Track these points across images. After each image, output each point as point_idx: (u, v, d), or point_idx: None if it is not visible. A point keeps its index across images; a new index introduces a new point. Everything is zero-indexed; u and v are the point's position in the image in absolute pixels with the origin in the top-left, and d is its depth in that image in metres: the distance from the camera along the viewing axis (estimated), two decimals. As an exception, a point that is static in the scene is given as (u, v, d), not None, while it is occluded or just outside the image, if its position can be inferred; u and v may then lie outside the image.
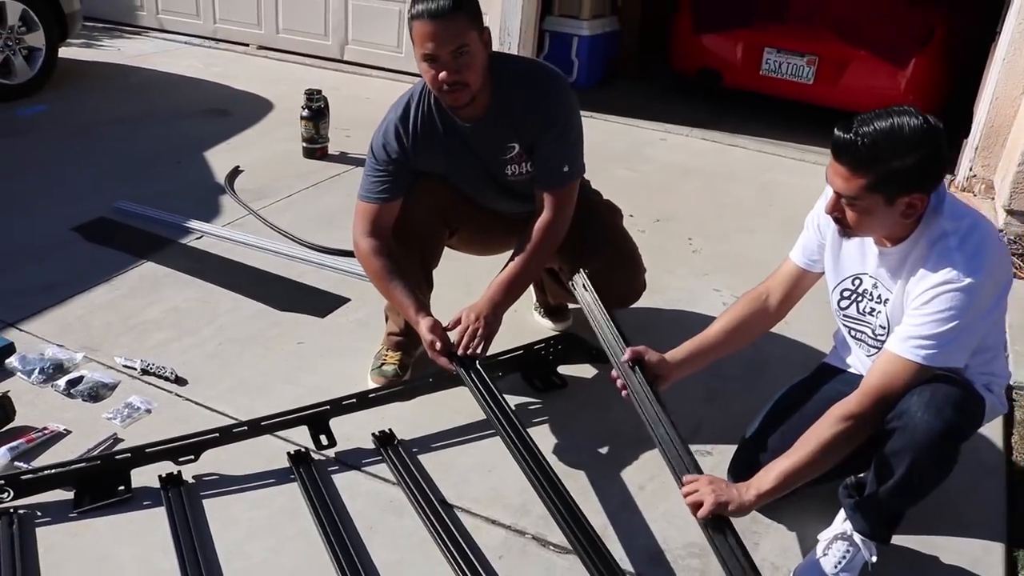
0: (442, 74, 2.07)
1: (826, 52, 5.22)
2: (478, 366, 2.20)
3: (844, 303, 1.98)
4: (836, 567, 1.88)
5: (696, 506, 1.78)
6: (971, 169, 4.50)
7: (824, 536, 1.94)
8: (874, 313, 1.90)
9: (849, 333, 2.04)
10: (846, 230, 1.81)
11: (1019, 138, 4.02)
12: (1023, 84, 4.19)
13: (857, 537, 1.89)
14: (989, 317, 1.76)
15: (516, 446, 2.02)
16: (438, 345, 2.19)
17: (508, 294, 2.28)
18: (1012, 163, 4.01)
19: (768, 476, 1.78)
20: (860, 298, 1.94)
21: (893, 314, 1.84)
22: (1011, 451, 2.43)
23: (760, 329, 2.15)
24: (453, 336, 2.24)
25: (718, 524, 1.76)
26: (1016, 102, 4.24)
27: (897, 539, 1.99)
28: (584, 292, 2.28)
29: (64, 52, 5.51)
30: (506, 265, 2.32)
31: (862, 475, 1.89)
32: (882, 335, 1.87)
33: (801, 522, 2.06)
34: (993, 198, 4.35)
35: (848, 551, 1.89)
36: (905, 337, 1.74)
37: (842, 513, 1.93)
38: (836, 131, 1.70)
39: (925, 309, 1.71)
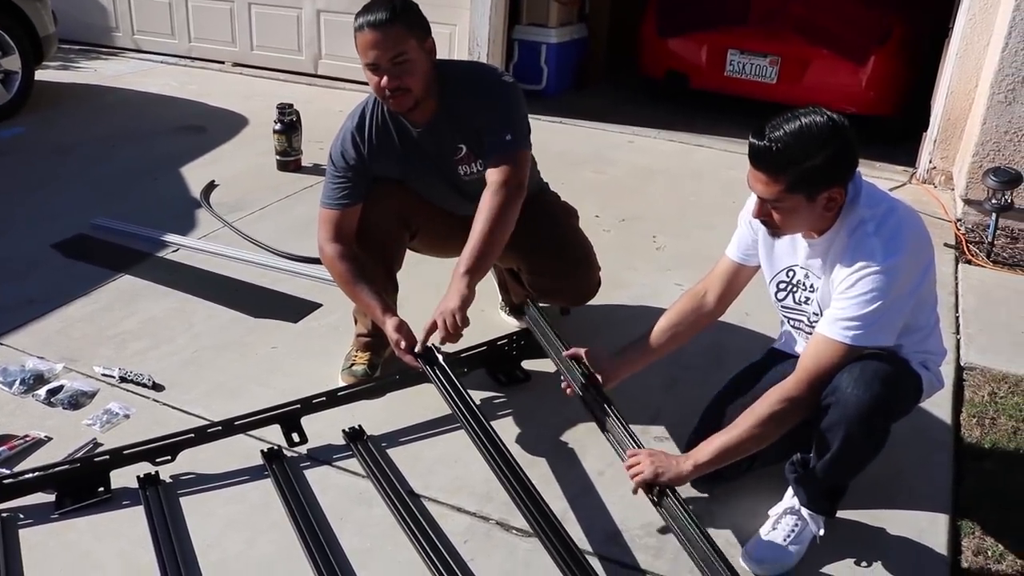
0: (383, 80, 2.18)
1: (788, 52, 5.35)
2: (443, 363, 2.29)
3: (781, 294, 2.08)
4: (785, 540, 1.97)
5: (635, 475, 1.90)
6: (931, 161, 4.63)
7: (774, 511, 2.04)
8: (808, 302, 2.00)
9: (788, 322, 2.13)
10: (775, 231, 1.91)
11: (974, 130, 4.15)
12: (976, 78, 4.32)
13: (805, 511, 1.99)
14: (913, 296, 1.85)
15: (480, 438, 2.11)
16: (403, 344, 2.27)
17: (472, 273, 2.24)
18: (967, 154, 4.14)
19: (706, 449, 1.88)
20: (795, 288, 2.03)
21: (823, 301, 1.93)
22: (959, 428, 2.53)
23: (701, 325, 2.22)
24: (434, 338, 2.27)
25: (663, 494, 1.88)
26: (970, 95, 4.37)
27: (847, 513, 2.09)
28: (532, 311, 2.37)
29: (41, 75, 5.58)
30: (468, 241, 2.30)
31: (809, 453, 1.98)
32: (816, 322, 1.96)
33: (753, 500, 2.15)
34: (953, 189, 4.47)
35: (797, 524, 1.99)
36: (832, 320, 1.83)
37: (791, 489, 2.03)
38: (751, 139, 1.79)
39: (849, 293, 1.80)
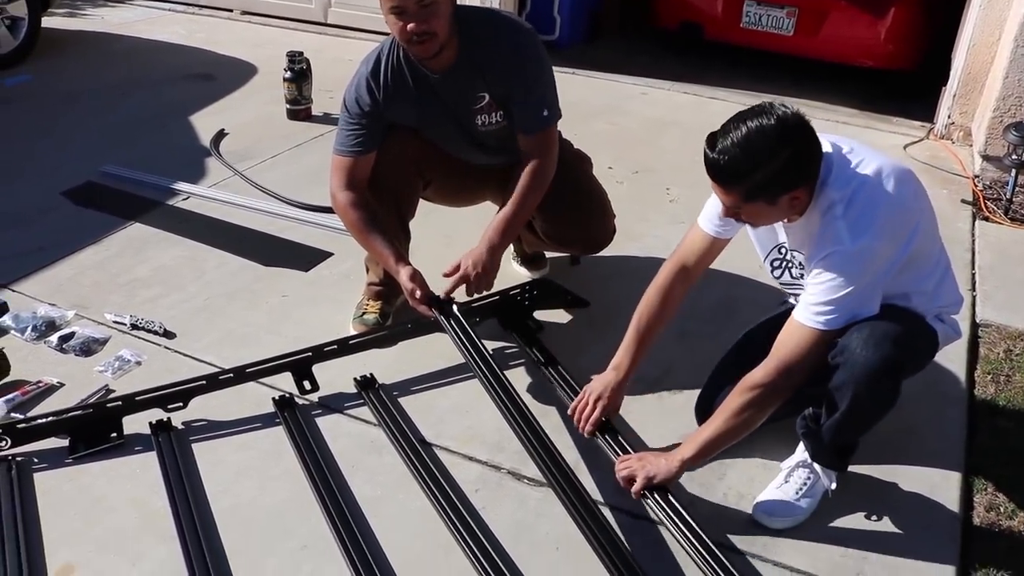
0: (410, 25, 2.11)
1: (806, 3, 5.23)
2: (456, 312, 2.28)
3: (777, 272, 2.05)
4: (798, 493, 1.97)
5: (628, 481, 1.89)
6: (949, 117, 4.55)
7: (786, 465, 2.04)
8: (803, 277, 1.94)
9: (791, 297, 2.11)
10: (751, 225, 1.89)
11: (995, 85, 4.07)
12: (999, 31, 4.22)
13: (817, 465, 1.98)
14: (895, 266, 1.80)
15: (493, 387, 2.11)
16: (418, 293, 2.26)
17: (504, 237, 2.35)
18: (987, 109, 4.06)
19: (690, 445, 1.88)
20: (790, 264, 2.00)
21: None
22: (974, 384, 2.52)
23: (681, 300, 2.14)
24: (449, 283, 2.30)
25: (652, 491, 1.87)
26: (992, 48, 4.27)
27: (859, 468, 2.09)
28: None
29: (47, 22, 5.50)
30: (499, 211, 2.38)
31: (820, 408, 1.96)
32: None
33: (766, 453, 2.15)
34: (971, 145, 4.40)
35: (809, 478, 1.99)
36: (805, 305, 1.79)
37: (802, 443, 2.02)
38: (705, 148, 1.73)
39: (819, 278, 1.76)
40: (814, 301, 1.77)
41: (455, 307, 2.29)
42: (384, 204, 2.39)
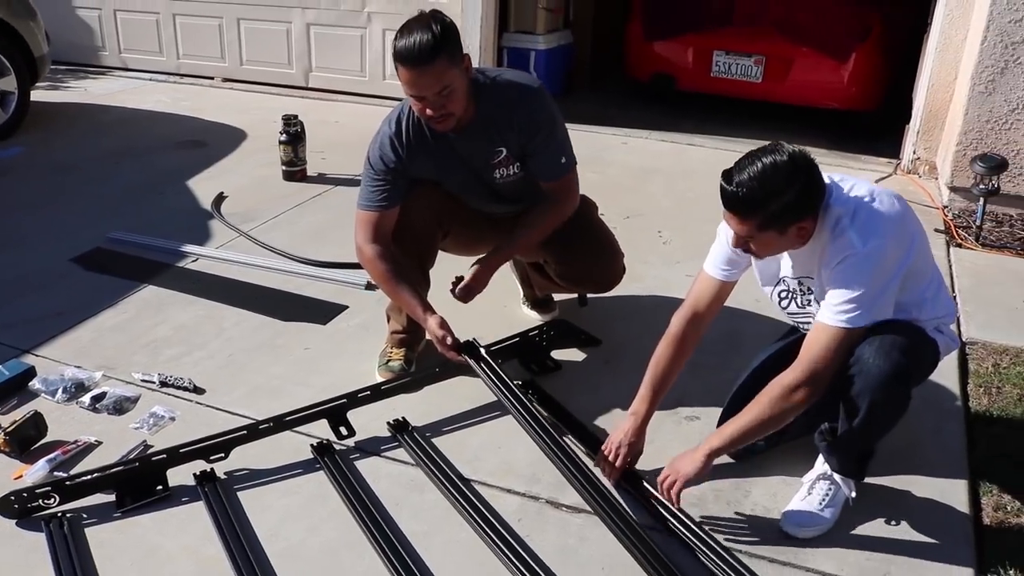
0: (428, 111, 2.27)
1: (772, 51, 5.52)
2: (485, 355, 2.40)
3: (784, 302, 2.20)
4: (821, 503, 2.10)
5: (669, 490, 2.04)
6: (914, 152, 4.80)
7: (807, 478, 2.16)
8: (810, 304, 2.11)
9: (801, 327, 2.25)
10: (756, 256, 2.05)
11: (956, 121, 4.32)
12: (955, 71, 4.50)
13: (837, 476, 2.11)
14: (902, 271, 1.96)
15: (528, 421, 2.22)
16: (448, 340, 2.38)
17: (502, 256, 2.57)
18: (951, 144, 4.32)
19: (717, 437, 2.02)
20: (795, 295, 2.16)
21: (820, 297, 2.04)
22: (967, 398, 2.68)
23: (696, 344, 2.28)
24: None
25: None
26: (949, 88, 4.55)
27: (873, 479, 2.22)
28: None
29: (33, 95, 5.60)
30: (513, 233, 2.55)
31: (835, 423, 2.10)
32: None
33: (785, 470, 2.28)
34: (937, 178, 4.65)
35: (830, 489, 2.12)
36: (828, 308, 1.94)
37: (821, 456, 2.15)
38: (722, 182, 1.91)
39: (838, 281, 1.92)
40: (836, 302, 1.92)
41: (483, 350, 2.40)
42: (407, 253, 2.52)
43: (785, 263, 2.13)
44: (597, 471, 2.19)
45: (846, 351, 1.93)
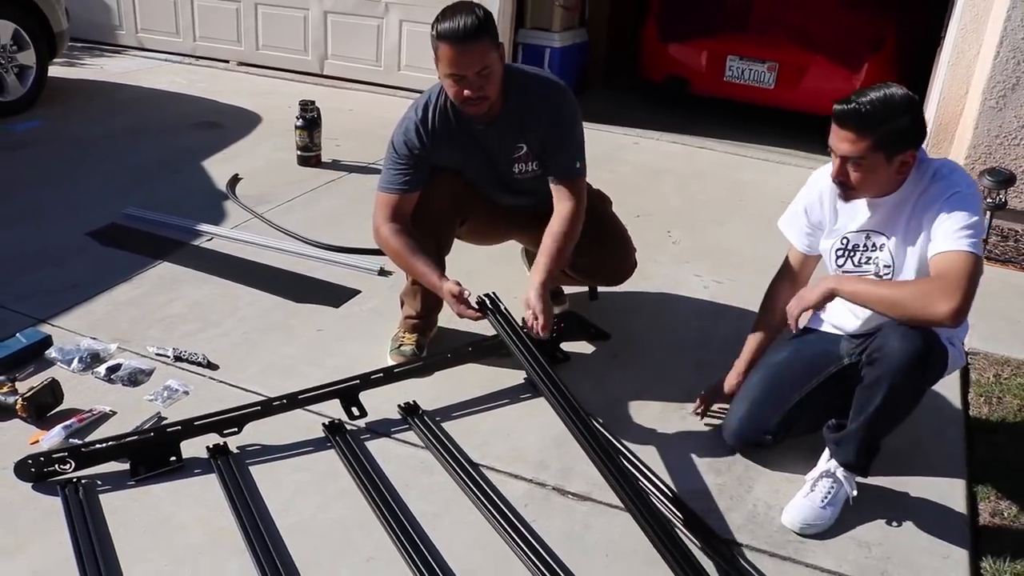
0: (466, 92, 2.32)
1: (786, 59, 5.56)
2: (503, 309, 2.41)
3: (840, 260, 2.26)
4: (823, 501, 2.14)
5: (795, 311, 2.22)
6: (922, 164, 4.83)
7: (810, 476, 2.21)
8: (871, 261, 2.19)
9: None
10: (848, 192, 2.12)
11: (966, 134, 4.37)
12: (966, 85, 4.54)
13: (840, 473, 2.16)
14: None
15: (544, 382, 2.22)
16: (466, 293, 2.37)
17: (550, 278, 2.45)
18: (960, 157, 4.36)
19: (847, 281, 2.13)
20: (854, 252, 2.23)
21: (897, 250, 2.13)
22: (968, 405, 2.73)
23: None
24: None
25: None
26: (960, 102, 4.59)
27: (873, 480, 2.26)
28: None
29: (50, 71, 5.64)
30: (541, 253, 2.49)
31: (843, 419, 2.16)
32: (887, 273, 2.16)
33: (787, 467, 2.32)
34: (943, 191, 4.68)
35: (832, 487, 2.16)
36: (948, 235, 1.99)
37: (826, 453, 2.20)
38: (836, 105, 2.03)
39: (953, 209, 2.00)
40: (955, 228, 1.98)
41: (502, 304, 2.41)
42: (426, 236, 2.54)
43: (855, 219, 2.20)
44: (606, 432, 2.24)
45: (977, 274, 1.97)
